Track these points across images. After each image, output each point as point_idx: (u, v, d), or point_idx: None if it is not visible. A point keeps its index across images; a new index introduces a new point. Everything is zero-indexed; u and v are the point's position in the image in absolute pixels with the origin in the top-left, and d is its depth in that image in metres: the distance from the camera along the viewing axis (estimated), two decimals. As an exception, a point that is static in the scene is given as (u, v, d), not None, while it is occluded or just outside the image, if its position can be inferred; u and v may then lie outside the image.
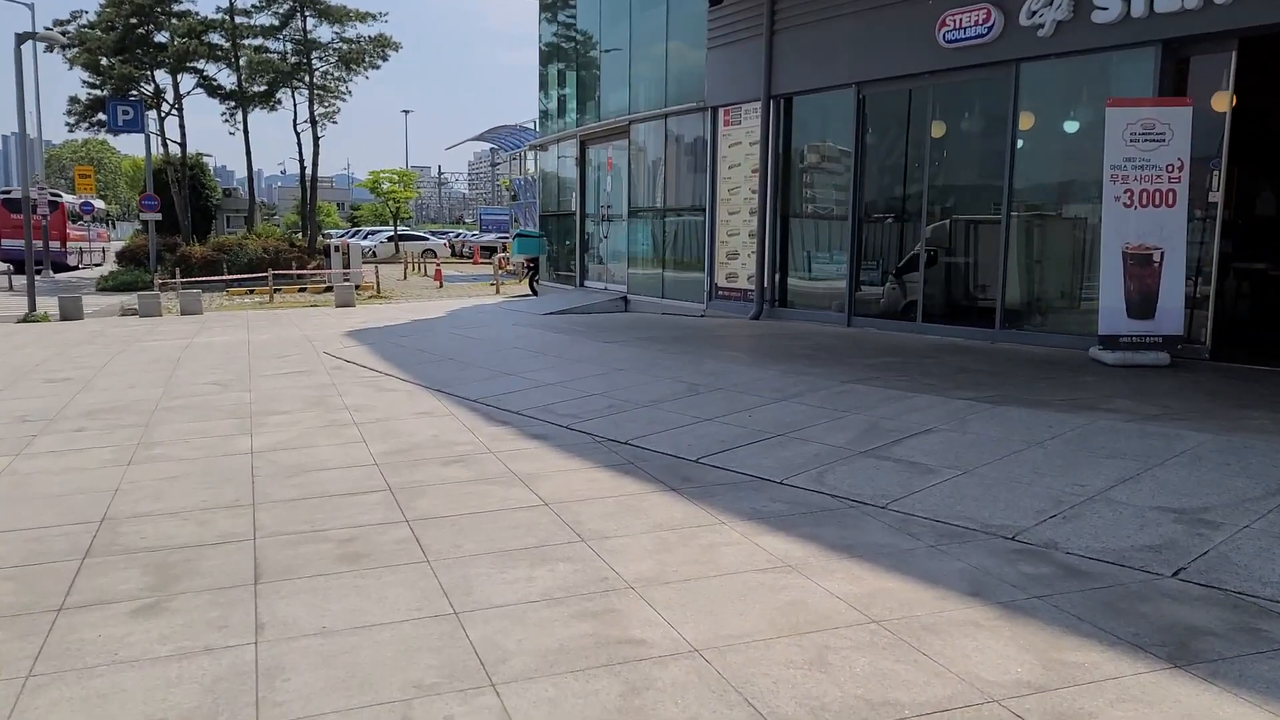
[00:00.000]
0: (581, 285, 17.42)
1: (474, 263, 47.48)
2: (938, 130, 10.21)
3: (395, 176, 50.91)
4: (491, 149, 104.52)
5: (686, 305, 13.70)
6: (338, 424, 6.86)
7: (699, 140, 13.38)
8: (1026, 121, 9.26)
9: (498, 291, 26.11)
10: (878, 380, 7.45)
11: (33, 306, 19.25)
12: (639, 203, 15.20)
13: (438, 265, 31.18)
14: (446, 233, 65.51)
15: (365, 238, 50.86)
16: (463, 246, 53.07)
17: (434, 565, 3.98)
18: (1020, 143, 9.26)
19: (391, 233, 51.22)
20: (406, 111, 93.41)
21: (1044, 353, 8.90)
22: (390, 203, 51.04)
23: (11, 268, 35.45)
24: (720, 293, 13.05)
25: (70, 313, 19.26)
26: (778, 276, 12.12)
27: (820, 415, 6.39)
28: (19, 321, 18.62)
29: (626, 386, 7.63)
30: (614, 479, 5.29)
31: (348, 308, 20.72)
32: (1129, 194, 7.81)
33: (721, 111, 12.79)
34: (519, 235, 20.34)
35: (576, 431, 6.43)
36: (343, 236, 47.97)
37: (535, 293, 20.29)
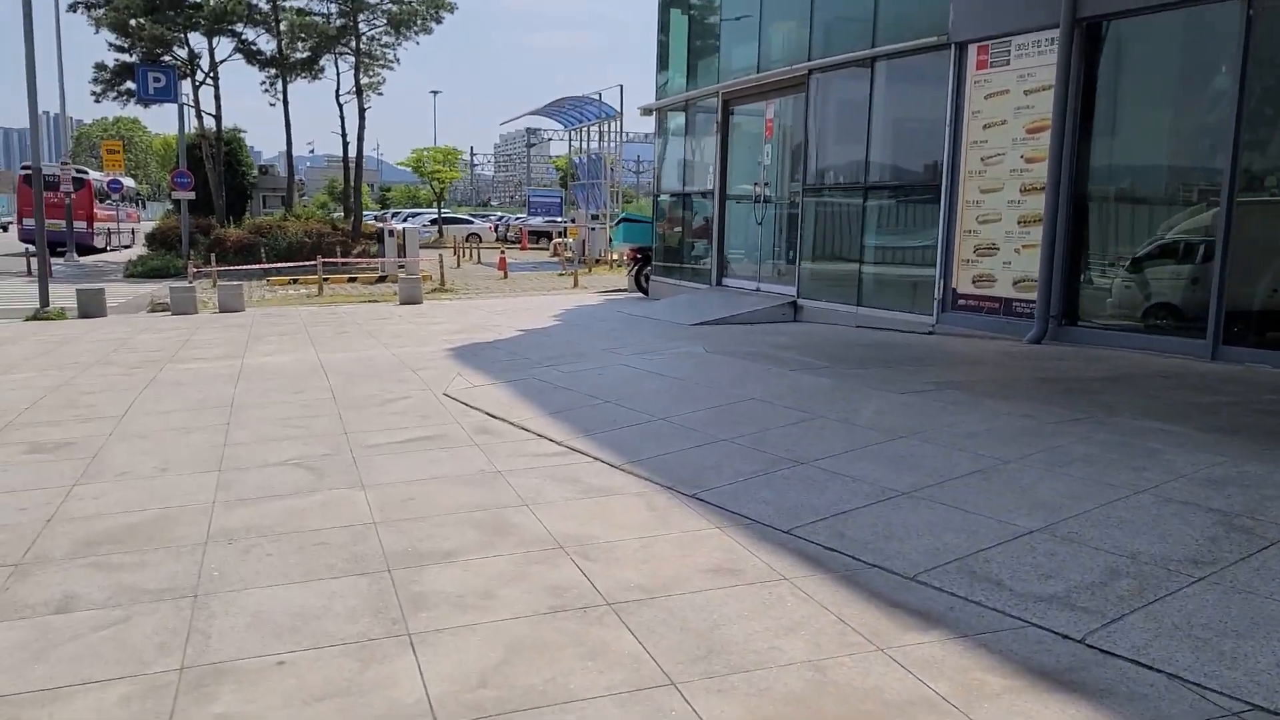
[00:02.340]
0: (719, 284, 13.87)
1: (522, 248, 44.04)
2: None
3: (440, 155, 47.47)
4: (528, 129, 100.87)
5: (898, 317, 10.13)
6: (575, 612, 3.40)
7: (930, 91, 9.79)
8: None
9: (576, 284, 22.66)
10: None
11: (44, 301, 16.00)
12: (819, 178, 11.61)
13: (501, 254, 27.74)
14: (488, 215, 62.20)
15: (405, 220, 47.58)
16: (507, 230, 49.67)
17: None
18: None
19: (435, 215, 47.86)
20: (435, 92, 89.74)
21: None
22: (434, 183, 47.62)
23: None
24: (963, 301, 9.47)
25: (90, 309, 16.01)
26: (1067, 281, 8.52)
27: None
28: (27, 319, 15.40)
29: (1105, 519, 4.09)
30: None
31: (414, 304, 17.39)
32: None
33: (974, 49, 9.18)
34: (625, 220, 16.82)
35: (1119, 660, 2.93)
36: (382, 218, 44.70)
37: (644, 291, 16.75)
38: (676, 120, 15.29)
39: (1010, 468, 4.62)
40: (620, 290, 19.89)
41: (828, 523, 4.12)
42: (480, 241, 43.89)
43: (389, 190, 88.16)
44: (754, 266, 13.28)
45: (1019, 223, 8.86)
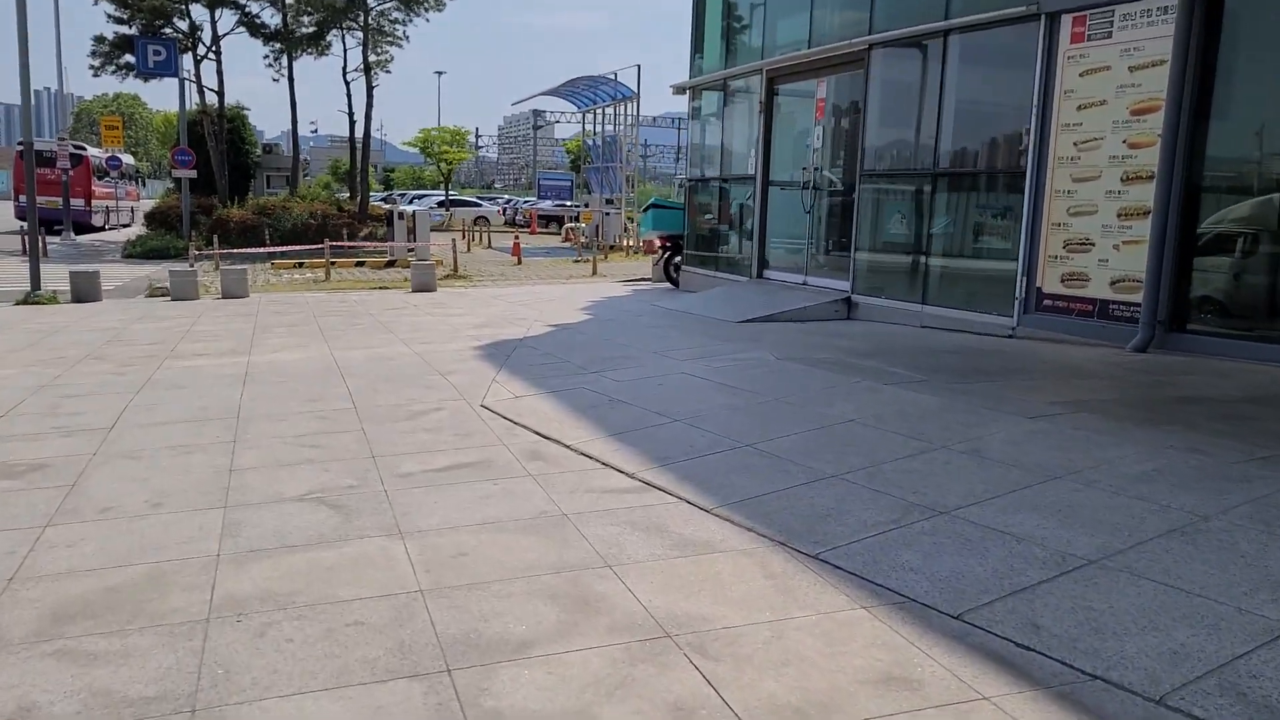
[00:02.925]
0: (759, 277, 12.91)
1: (531, 232, 42.98)
2: None
3: (448, 136, 46.36)
4: (534, 111, 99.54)
5: (971, 318, 9.19)
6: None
7: (1013, 67, 8.82)
8: None
9: (595, 272, 21.73)
10: None
11: (36, 284, 15.04)
12: (879, 162, 10.64)
13: (516, 239, 26.76)
14: (495, 197, 61.13)
15: (410, 202, 46.52)
16: (515, 214, 48.63)
17: None
18: None
19: (442, 197, 46.80)
20: (440, 72, 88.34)
21: None
22: (442, 164, 46.53)
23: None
24: (1049, 302, 8.52)
25: (84, 292, 15.09)
26: (1176, 282, 7.57)
27: None
28: (17, 303, 14.47)
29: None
30: None
31: (427, 292, 16.49)
32: None
33: (1069, 20, 8.20)
34: (654, 207, 15.80)
35: None
36: (390, 199, 43.62)
37: (673, 281, 15.80)
38: (712, 100, 14.29)
39: (1215, 527, 3.69)
40: (644, 279, 18.94)
41: (1008, 605, 3.20)
42: (488, 225, 42.89)
43: (393, 171, 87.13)
44: (800, 258, 12.32)
45: (1119, 216, 7.90)
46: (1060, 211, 8.36)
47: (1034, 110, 8.46)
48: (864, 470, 4.55)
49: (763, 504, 4.21)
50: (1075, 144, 8.20)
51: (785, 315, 10.66)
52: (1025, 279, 8.67)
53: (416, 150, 63.13)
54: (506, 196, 66.05)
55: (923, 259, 9.85)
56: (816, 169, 11.74)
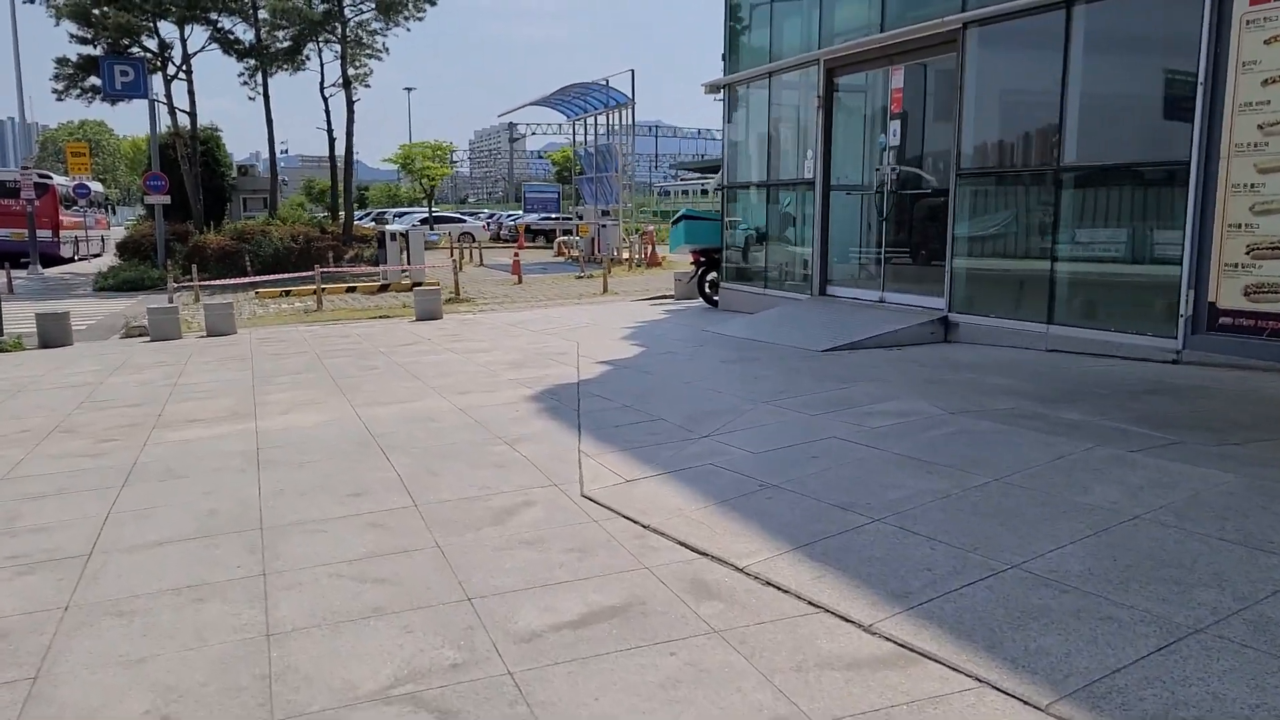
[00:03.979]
0: (822, 294, 11.41)
1: (519, 247, 41.34)
2: None
3: (429, 151, 44.70)
4: (510, 124, 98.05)
5: (1118, 340, 7.73)
6: None
7: (1166, 36, 7.40)
8: None
9: (605, 289, 20.21)
10: None
11: (-2, 330, 13.34)
12: (980, 158, 9.19)
13: (516, 256, 25.17)
14: (477, 212, 59.53)
15: (391, 220, 44.81)
16: (499, 229, 47.05)
17: None
18: None
19: (424, 214, 45.12)
20: (409, 89, 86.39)
21: None
22: (424, 180, 44.84)
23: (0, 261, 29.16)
24: (1227, 320, 7.06)
25: (53, 337, 13.42)
26: None
27: None
28: (-24, 354, 12.76)
29: None
30: None
31: (433, 320, 14.93)
32: None
33: (1246, -20, 6.76)
34: (685, 218, 14.28)
35: None
36: (380, 218, 41.85)
37: (710, 300, 14.29)
38: (755, 97, 12.80)
39: None
40: (665, 297, 17.43)
41: None
42: (474, 241, 41.25)
43: (367, 189, 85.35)
44: (872, 272, 10.84)
45: (1325, 213, 6.46)
46: (1240, 210, 6.91)
47: (1200, 88, 7.02)
48: (1243, 619, 3.03)
49: (1126, 696, 2.68)
50: (1261, 127, 6.76)
51: (873, 340, 9.18)
52: (1193, 292, 7.21)
53: (392, 167, 61.44)
54: (489, 211, 64.46)
55: (1047, 271, 8.38)
56: (893, 169, 10.27)
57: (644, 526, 4.25)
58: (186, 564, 4.06)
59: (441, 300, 15.84)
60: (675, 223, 14.37)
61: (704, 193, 66.60)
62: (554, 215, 46.86)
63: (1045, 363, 7.73)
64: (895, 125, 10.19)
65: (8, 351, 12.88)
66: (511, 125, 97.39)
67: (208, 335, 13.97)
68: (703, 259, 14.29)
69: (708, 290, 14.41)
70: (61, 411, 7.87)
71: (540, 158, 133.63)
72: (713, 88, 13.13)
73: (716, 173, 63.06)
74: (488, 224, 48.17)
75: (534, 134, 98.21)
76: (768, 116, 12.26)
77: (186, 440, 6.50)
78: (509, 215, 52.74)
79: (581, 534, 4.23)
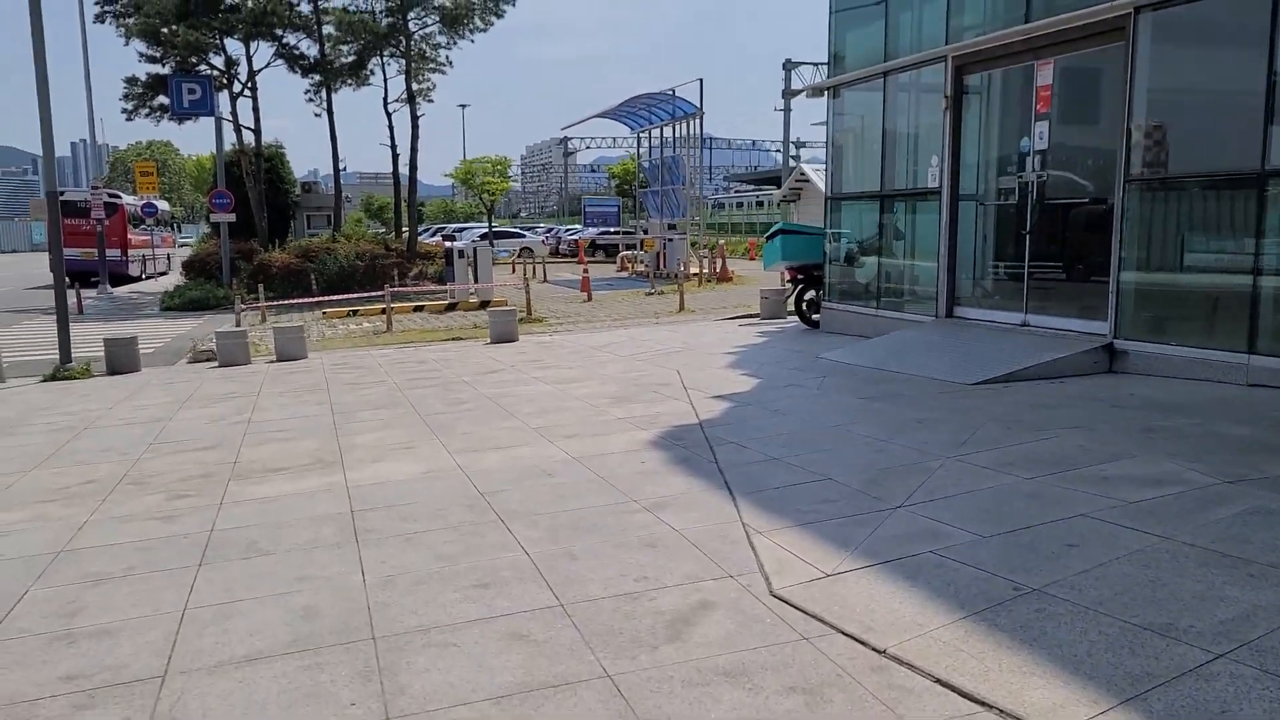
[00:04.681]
0: (949, 316, 10.26)
1: (579, 261, 40.56)
2: None
3: (489, 166, 44.24)
4: (565, 139, 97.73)
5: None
6: None
7: None
8: None
9: (682, 307, 19.20)
10: None
11: (65, 355, 12.80)
12: (1157, 162, 7.99)
13: (585, 273, 24.30)
14: (534, 227, 59.02)
15: (452, 236, 44.40)
16: (558, 243, 46.38)
17: None
18: None
19: (484, 229, 44.62)
20: (463, 105, 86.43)
21: None
22: (484, 195, 44.38)
23: (69, 280, 28.98)
24: None
25: (121, 363, 12.85)
26: None
27: None
28: (45, 379, 12.24)
29: None
30: None
31: (508, 343, 14.09)
32: None
33: None
34: (782, 232, 13.21)
35: None
36: (451, 235, 41.45)
37: (809, 321, 13.21)
38: (865, 100, 11.72)
39: None
40: (749, 316, 16.38)
41: None
42: (534, 256, 40.63)
43: (424, 205, 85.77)
44: (1010, 291, 9.67)
45: None
46: None
47: None
48: None
49: None
50: None
51: (1030, 371, 8.02)
52: None
53: (446, 182, 61.20)
54: (545, 225, 63.95)
55: (1248, 291, 7.15)
56: (1039, 175, 9.11)
57: (878, 651, 3.20)
58: (285, 699, 3.11)
59: (516, 321, 14.97)
60: (770, 237, 13.31)
61: (759, 204, 65.27)
62: (613, 229, 46.08)
63: (1267, 403, 6.52)
64: (1042, 127, 9.02)
65: (76, 379, 12.32)
66: (565, 140, 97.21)
67: (277, 360, 13.29)
68: (800, 276, 13.22)
69: (805, 309, 13.32)
70: (129, 455, 7.09)
71: (593, 171, 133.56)
72: (815, 91, 12.10)
73: (772, 184, 61.64)
74: (546, 238, 47.57)
75: (586, 148, 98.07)
76: (882, 120, 11.16)
77: (268, 499, 5.62)
78: (566, 230, 52.12)
79: (794, 660, 3.20)
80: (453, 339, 15.77)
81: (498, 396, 9.02)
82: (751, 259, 37.39)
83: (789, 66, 52.24)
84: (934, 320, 10.30)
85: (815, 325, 13.10)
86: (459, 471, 6.06)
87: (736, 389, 8.61)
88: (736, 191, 78.70)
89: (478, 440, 7.01)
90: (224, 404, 9.41)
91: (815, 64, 54.24)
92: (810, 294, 13.22)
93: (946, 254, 10.15)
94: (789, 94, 52.85)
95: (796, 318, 13.57)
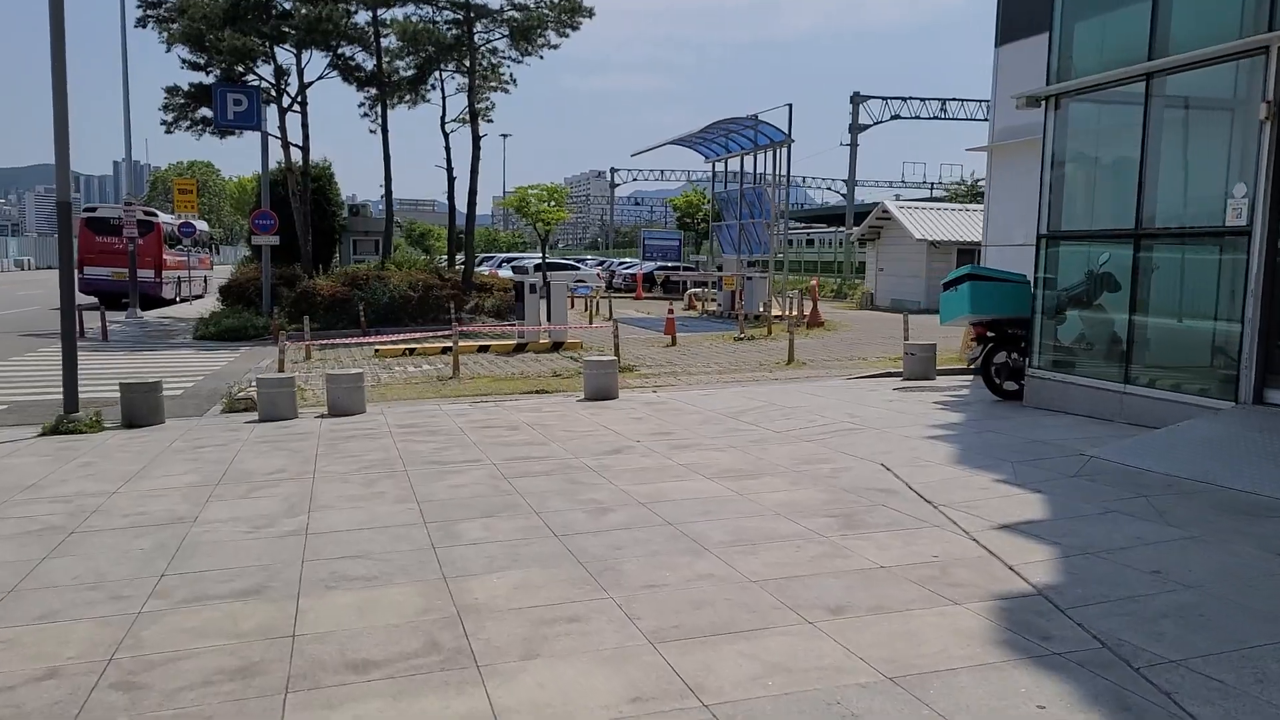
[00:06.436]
0: (1258, 401, 7.44)
1: (636, 297, 38.09)
2: None
3: (544, 194, 41.98)
4: (611, 169, 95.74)
5: None
6: None
7: None
8: None
9: (791, 359, 16.50)
10: None
11: (72, 402, 10.25)
12: None
13: (670, 314, 21.70)
14: (584, 259, 56.76)
15: (499, 266, 42.15)
16: (612, 276, 43.95)
17: None
18: None
19: (538, 259, 42.31)
20: (505, 135, 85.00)
21: None
22: (539, 224, 42.09)
23: (98, 301, 27.08)
24: None
25: (139, 414, 10.36)
26: None
27: None
28: (44, 432, 9.79)
29: None
30: None
31: (607, 400, 11.48)
32: None
33: None
34: (971, 278, 10.42)
35: None
36: (522, 268, 39.23)
37: (999, 390, 10.42)
38: (1110, 113, 9.02)
39: None
40: (885, 375, 13.64)
41: None
42: (590, 290, 38.17)
43: (462, 233, 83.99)
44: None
45: None
46: None
47: None
48: None
49: None
50: None
51: None
52: None
53: (492, 211, 59.20)
54: (594, 257, 61.66)
55: None
56: None
57: None
58: None
59: (616, 373, 12.32)
60: (951, 284, 10.56)
61: (809, 243, 62.45)
62: (672, 263, 43.62)
63: None
64: None
65: (82, 433, 9.82)
66: (612, 170, 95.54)
67: (329, 414, 10.74)
68: (991, 334, 10.46)
69: (994, 375, 10.54)
70: (125, 605, 4.48)
71: (636, 205, 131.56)
72: (1033, 100, 9.38)
73: (825, 223, 58.61)
74: (600, 272, 45.20)
75: (623, 182, 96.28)
76: (1143, 137, 8.41)
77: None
78: (619, 263, 49.74)
79: None
80: (536, 391, 13.17)
81: (652, 501, 6.33)
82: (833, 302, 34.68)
83: (857, 100, 49.87)
84: (1233, 406, 7.49)
85: (1007, 396, 10.33)
86: (688, 696, 3.35)
87: (1017, 512, 5.85)
88: (788, 230, 76.26)
89: (676, 605, 4.32)
90: (268, 492, 6.80)
91: (884, 98, 52.14)
92: (1001, 355, 10.46)
93: (1257, 313, 7.37)
94: (856, 128, 50.44)
95: (983, 383, 10.77)
